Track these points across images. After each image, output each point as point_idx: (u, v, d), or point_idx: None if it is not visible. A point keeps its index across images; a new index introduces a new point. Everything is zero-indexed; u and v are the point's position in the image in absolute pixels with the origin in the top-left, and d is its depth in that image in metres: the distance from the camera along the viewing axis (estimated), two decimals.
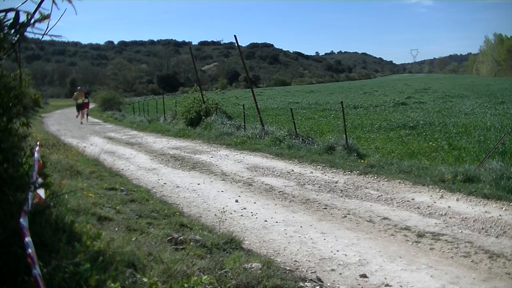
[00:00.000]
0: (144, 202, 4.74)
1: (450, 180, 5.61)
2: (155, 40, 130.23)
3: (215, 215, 4.69)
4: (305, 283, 2.96)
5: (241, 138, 10.13)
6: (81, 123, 19.00)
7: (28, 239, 1.56)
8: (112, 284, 1.77)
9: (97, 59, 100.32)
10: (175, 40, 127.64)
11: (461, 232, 4.08)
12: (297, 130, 9.43)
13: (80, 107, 19.86)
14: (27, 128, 2.03)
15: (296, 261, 3.51)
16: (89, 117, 21.59)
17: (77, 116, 20.20)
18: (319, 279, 3.14)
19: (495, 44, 74.45)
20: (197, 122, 12.99)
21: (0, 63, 1.87)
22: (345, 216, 4.65)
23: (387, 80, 73.80)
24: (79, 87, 21.42)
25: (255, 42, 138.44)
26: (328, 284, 3.10)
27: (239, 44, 11.31)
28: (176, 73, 76.94)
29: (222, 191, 5.84)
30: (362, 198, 5.32)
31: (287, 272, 3.12)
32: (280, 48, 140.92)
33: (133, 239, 3.09)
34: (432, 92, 28.25)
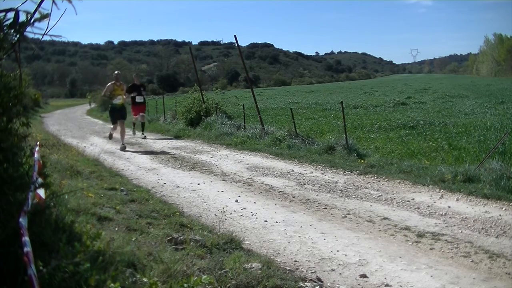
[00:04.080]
0: (144, 202, 4.74)
1: (450, 180, 5.60)
2: (155, 40, 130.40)
3: (215, 215, 4.69)
4: (305, 283, 2.96)
5: (241, 138, 10.13)
6: (123, 147, 9.80)
7: (26, 238, 1.56)
8: (112, 284, 1.77)
9: (97, 59, 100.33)
10: (175, 40, 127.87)
11: (461, 232, 4.07)
12: (297, 130, 9.43)
13: (119, 114, 10.02)
14: (27, 128, 2.03)
15: (296, 261, 3.51)
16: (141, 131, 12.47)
17: (111, 136, 10.59)
18: (319, 279, 3.14)
19: (495, 44, 74.46)
20: (197, 122, 12.99)
21: (0, 63, 1.87)
22: (345, 216, 4.65)
23: (387, 80, 73.80)
24: (116, 72, 10.46)
25: (255, 42, 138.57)
26: (328, 284, 3.10)
27: (239, 44, 11.31)
28: (176, 73, 76.92)
29: (222, 191, 5.84)
30: (362, 198, 5.32)
31: (287, 272, 3.12)
32: (280, 48, 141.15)
33: (133, 239, 3.09)
34: (432, 92, 28.25)
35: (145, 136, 12.20)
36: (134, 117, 12.67)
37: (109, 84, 10.16)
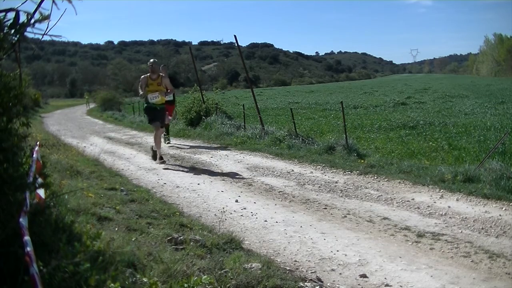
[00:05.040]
0: (144, 202, 4.74)
1: (450, 180, 5.60)
2: (155, 40, 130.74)
3: (215, 215, 4.69)
4: (305, 283, 2.96)
5: (241, 138, 10.13)
6: (162, 160, 7.84)
7: (27, 238, 1.56)
8: (112, 284, 1.77)
9: (97, 59, 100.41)
10: (175, 40, 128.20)
11: (461, 232, 4.07)
12: (297, 130, 9.43)
13: (158, 115, 7.95)
14: (27, 128, 2.03)
15: (296, 261, 3.51)
16: (169, 137, 10.69)
17: (155, 155, 7.99)
18: (319, 279, 3.14)
19: (495, 44, 74.57)
20: (197, 122, 12.99)
21: (0, 63, 1.87)
22: (345, 216, 4.65)
23: (387, 80, 73.85)
24: (152, 60, 8.10)
25: (255, 42, 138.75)
26: (328, 284, 3.10)
27: (239, 44, 11.30)
28: (176, 73, 76.94)
29: (222, 191, 5.84)
30: (362, 198, 5.32)
31: (287, 272, 3.12)
32: (280, 48, 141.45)
33: (133, 239, 3.09)
34: (432, 92, 28.27)
35: (167, 138, 10.48)
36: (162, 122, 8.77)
37: (142, 77, 7.96)
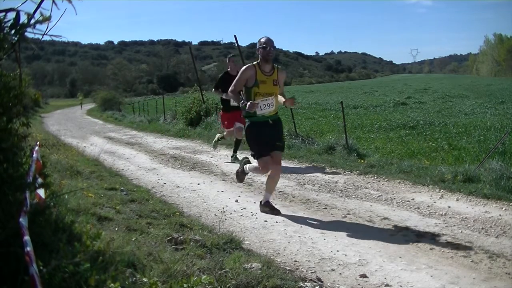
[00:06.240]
0: (144, 202, 4.74)
1: (450, 180, 5.60)
2: (155, 40, 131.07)
3: (215, 215, 4.69)
4: (305, 283, 2.96)
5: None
6: (276, 209, 4.63)
7: (26, 237, 1.56)
8: (112, 284, 1.77)
9: (97, 59, 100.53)
10: (175, 40, 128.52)
11: (461, 232, 4.07)
12: (297, 130, 9.43)
13: (272, 137, 4.50)
14: (27, 128, 2.03)
15: (296, 261, 3.51)
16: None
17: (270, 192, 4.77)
18: (319, 279, 3.13)
19: (495, 44, 74.69)
20: (197, 122, 13.01)
21: (0, 63, 1.87)
22: (345, 216, 4.65)
23: (387, 80, 73.88)
24: (264, 39, 4.56)
25: (255, 42, 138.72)
26: (328, 284, 3.10)
27: (239, 44, 11.31)
28: (176, 73, 76.98)
29: (222, 191, 5.84)
30: (362, 198, 5.32)
31: (287, 272, 3.12)
32: (280, 48, 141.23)
33: (133, 239, 3.09)
34: (432, 92, 28.30)
35: (235, 158, 7.74)
36: (225, 129, 7.85)
37: (245, 68, 4.61)
